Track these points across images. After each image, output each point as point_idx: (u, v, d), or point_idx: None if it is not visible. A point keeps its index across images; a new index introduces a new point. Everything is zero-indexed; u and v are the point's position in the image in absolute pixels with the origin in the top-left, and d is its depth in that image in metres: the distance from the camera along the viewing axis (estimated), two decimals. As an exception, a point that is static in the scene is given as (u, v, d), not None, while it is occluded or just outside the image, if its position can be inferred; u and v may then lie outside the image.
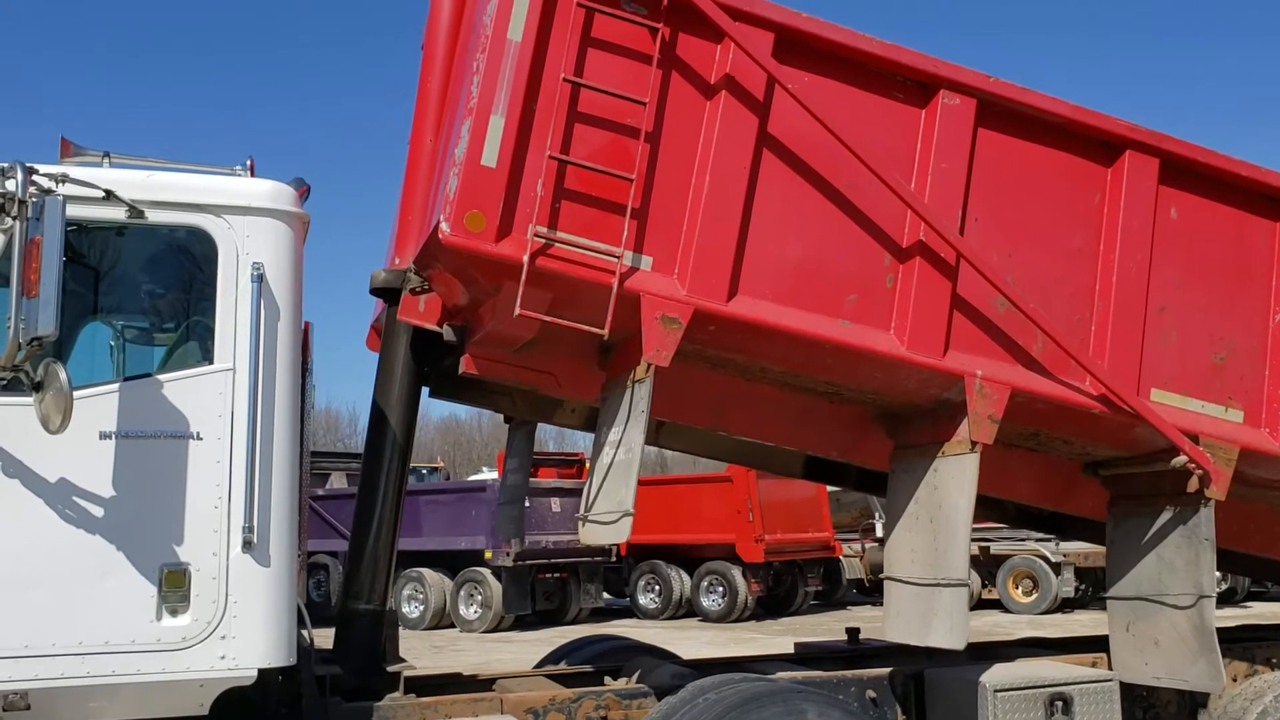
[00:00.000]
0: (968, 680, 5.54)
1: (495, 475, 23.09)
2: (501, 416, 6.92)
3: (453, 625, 20.72)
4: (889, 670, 5.87)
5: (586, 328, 4.75)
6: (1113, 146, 5.62)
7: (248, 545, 4.51)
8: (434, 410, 77.92)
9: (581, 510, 5.08)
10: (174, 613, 4.43)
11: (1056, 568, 22.13)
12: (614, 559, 22.78)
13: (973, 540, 22.34)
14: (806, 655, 6.96)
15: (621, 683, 5.87)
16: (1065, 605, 22.27)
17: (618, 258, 4.75)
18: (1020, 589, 22.69)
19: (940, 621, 5.17)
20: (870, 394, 5.60)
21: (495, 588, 20.19)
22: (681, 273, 4.90)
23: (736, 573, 21.73)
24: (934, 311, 5.19)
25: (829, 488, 23.75)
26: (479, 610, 20.49)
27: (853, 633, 7.31)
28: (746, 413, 5.86)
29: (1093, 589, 23.09)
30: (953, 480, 5.26)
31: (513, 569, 19.94)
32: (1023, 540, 22.85)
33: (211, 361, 4.62)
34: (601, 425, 5.15)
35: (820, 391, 5.67)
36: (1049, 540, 22.34)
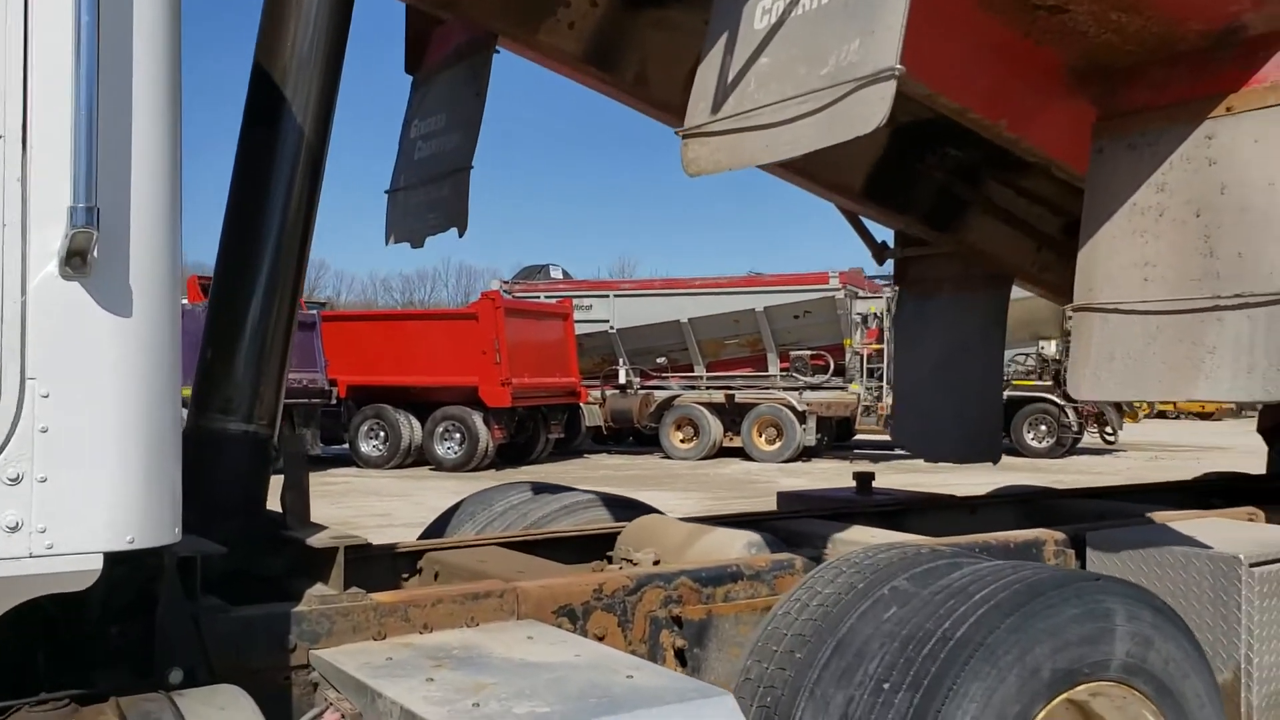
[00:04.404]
0: (1185, 549, 3.69)
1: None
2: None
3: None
4: (1036, 533, 3.97)
5: None
6: None
7: (77, 260, 1.82)
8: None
9: (688, 121, 2.83)
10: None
11: (801, 416, 21.59)
12: (332, 401, 19.86)
13: (716, 388, 21.26)
14: (813, 511, 4.90)
15: (647, 557, 3.59)
16: (805, 454, 21.89)
17: None
18: (764, 437, 22.06)
19: (1226, 360, 3.36)
20: (1117, 8, 3.54)
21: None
22: None
23: (477, 418, 19.53)
24: None
25: (576, 330, 21.94)
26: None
27: (864, 478, 5.36)
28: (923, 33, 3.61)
29: (829, 439, 22.90)
30: (1256, 147, 3.43)
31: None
32: (767, 389, 22.18)
33: None
34: None
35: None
36: (794, 390, 21.83)
